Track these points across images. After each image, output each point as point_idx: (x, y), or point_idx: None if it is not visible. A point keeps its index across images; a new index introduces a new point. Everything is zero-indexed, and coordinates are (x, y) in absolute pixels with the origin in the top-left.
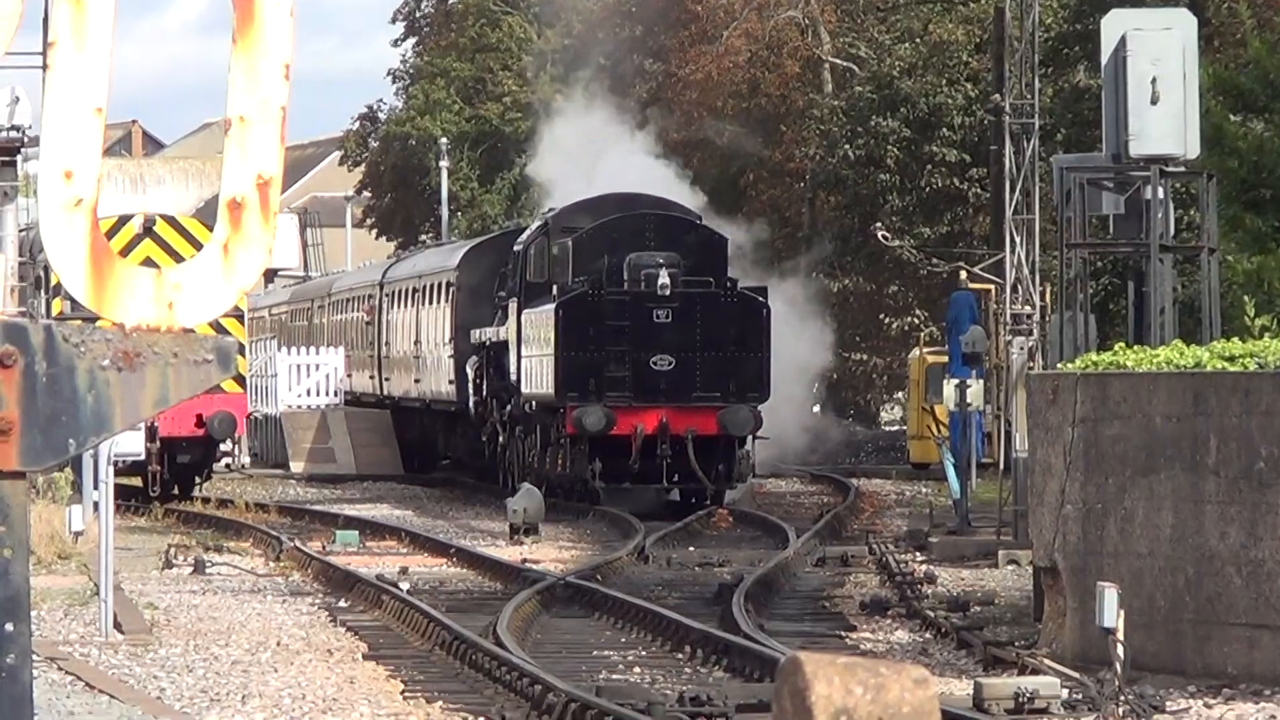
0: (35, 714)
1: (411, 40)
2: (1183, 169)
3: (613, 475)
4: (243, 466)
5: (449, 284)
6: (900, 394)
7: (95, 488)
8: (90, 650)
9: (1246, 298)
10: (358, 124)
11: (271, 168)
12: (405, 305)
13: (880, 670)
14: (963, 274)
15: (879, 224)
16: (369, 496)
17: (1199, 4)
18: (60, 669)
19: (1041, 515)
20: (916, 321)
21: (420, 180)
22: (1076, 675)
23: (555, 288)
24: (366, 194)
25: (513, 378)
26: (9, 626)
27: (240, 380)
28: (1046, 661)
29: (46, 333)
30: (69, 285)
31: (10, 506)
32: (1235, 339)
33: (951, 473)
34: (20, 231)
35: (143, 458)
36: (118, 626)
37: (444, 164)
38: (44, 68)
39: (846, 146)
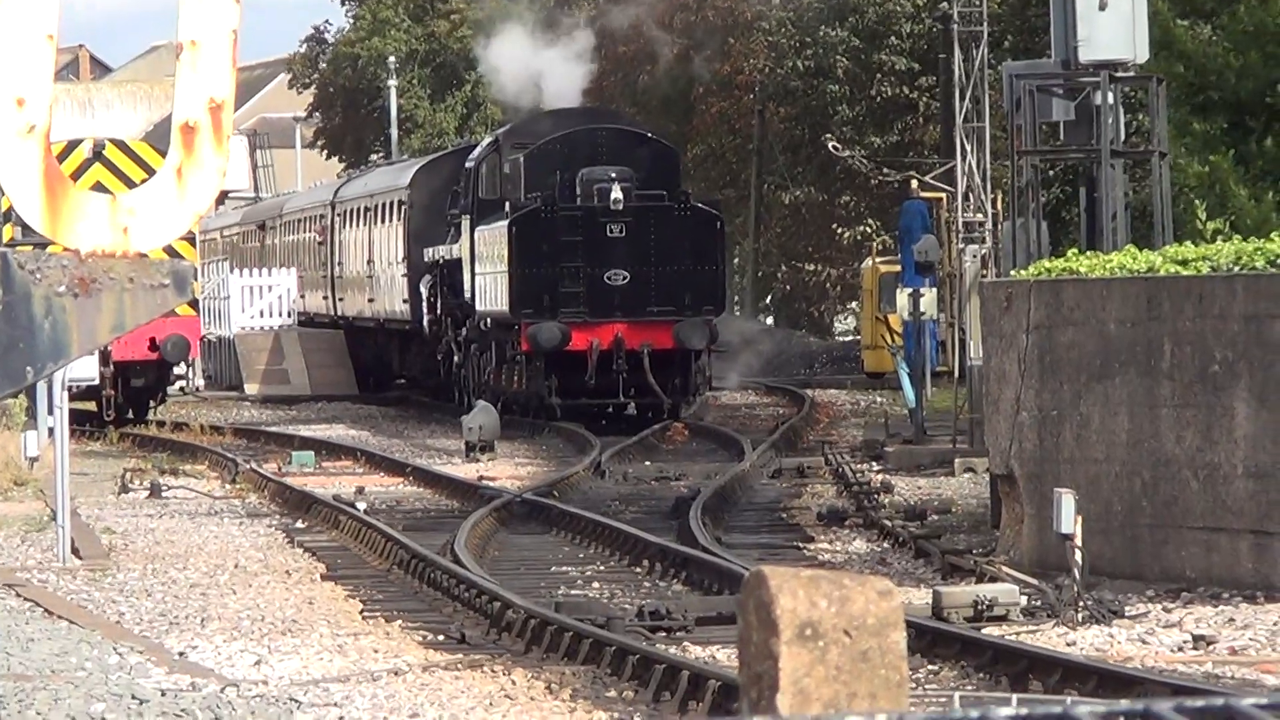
0: None
1: None
2: (1132, 74)
3: (569, 391)
4: (197, 389)
5: (401, 203)
6: (854, 304)
7: (50, 413)
8: (48, 576)
9: (1198, 201)
10: (305, 46)
11: (223, 91)
12: (357, 225)
13: (844, 583)
14: (914, 183)
15: (829, 135)
16: (324, 417)
17: None
18: (19, 595)
19: (997, 423)
20: (869, 231)
21: (370, 101)
22: (1035, 582)
23: (508, 204)
24: (317, 116)
25: (467, 295)
26: None
27: (193, 303)
28: (1004, 569)
29: (2, 261)
30: (23, 212)
31: None
32: (1188, 243)
33: (906, 382)
34: None
35: (97, 382)
36: (75, 552)
37: (393, 83)
38: None
39: (795, 58)
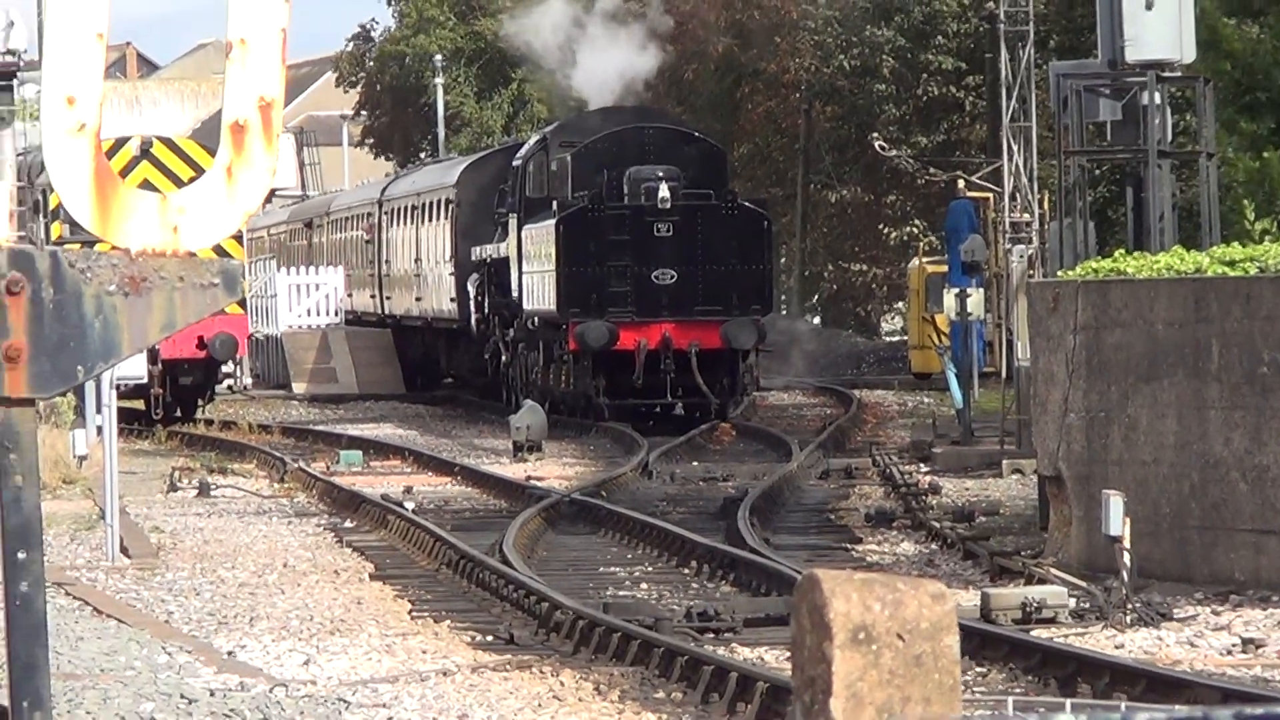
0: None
1: None
2: (1179, 74)
3: (616, 391)
4: (245, 388)
5: (448, 201)
6: (900, 304)
7: (98, 412)
8: (97, 575)
9: (1246, 201)
10: (351, 45)
11: (273, 90)
12: (405, 223)
13: (898, 586)
14: (961, 183)
15: (876, 134)
16: (372, 416)
17: None
18: (68, 594)
19: (1045, 424)
20: (915, 231)
21: (417, 99)
22: (1083, 584)
23: (555, 203)
24: (364, 114)
25: (514, 294)
26: (21, 554)
27: (241, 301)
28: (1053, 571)
29: (53, 259)
30: (73, 210)
31: (20, 434)
32: (1235, 244)
33: (954, 383)
34: (18, 156)
35: (145, 381)
36: (124, 551)
37: (439, 81)
38: None
39: (841, 57)
